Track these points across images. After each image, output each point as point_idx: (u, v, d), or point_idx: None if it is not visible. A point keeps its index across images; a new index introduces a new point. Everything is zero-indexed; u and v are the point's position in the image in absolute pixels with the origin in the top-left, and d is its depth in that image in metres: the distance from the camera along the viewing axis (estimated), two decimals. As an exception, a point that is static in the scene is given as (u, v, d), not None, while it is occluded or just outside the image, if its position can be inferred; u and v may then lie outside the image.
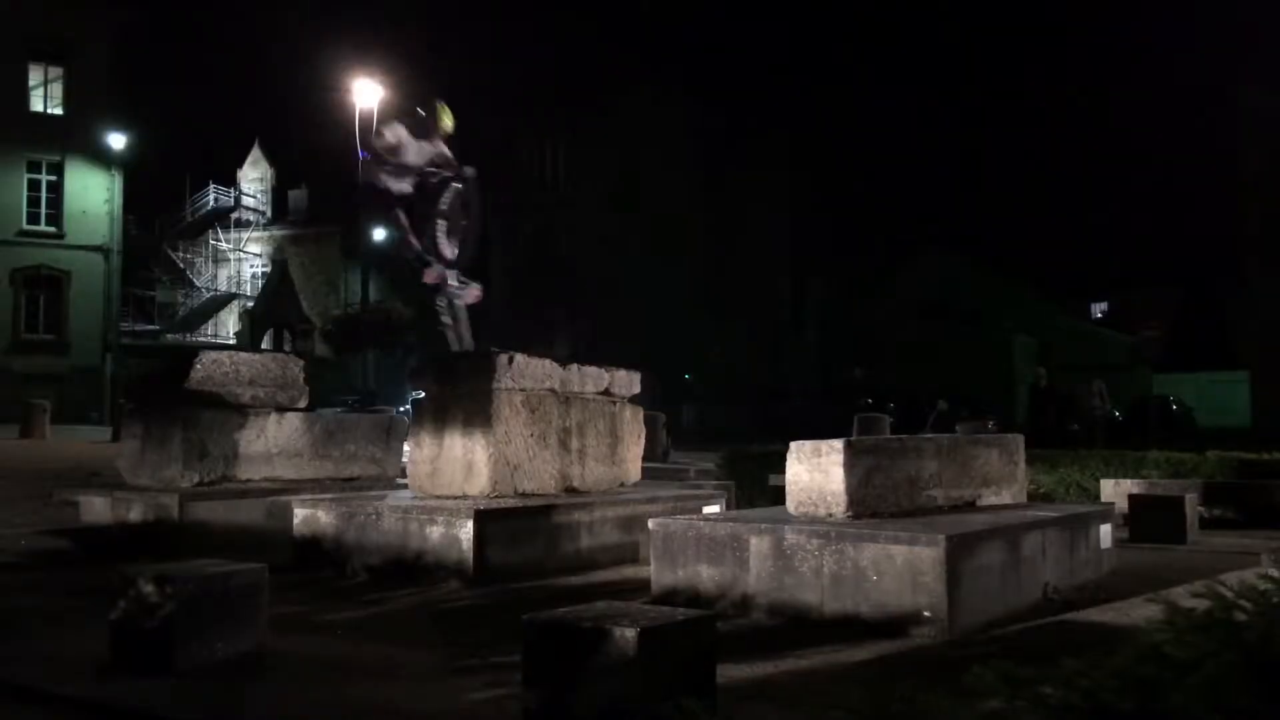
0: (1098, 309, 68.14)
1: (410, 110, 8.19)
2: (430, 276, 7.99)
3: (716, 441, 17.99)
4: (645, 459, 10.33)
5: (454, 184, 7.97)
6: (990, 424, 21.14)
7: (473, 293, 8.25)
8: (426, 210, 7.99)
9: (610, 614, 3.13)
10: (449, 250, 8.05)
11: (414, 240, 7.96)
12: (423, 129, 7.95)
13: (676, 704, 2.17)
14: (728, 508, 8.14)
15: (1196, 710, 1.20)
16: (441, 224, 7.95)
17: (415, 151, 7.91)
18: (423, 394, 7.29)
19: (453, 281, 8.09)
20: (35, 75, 35.92)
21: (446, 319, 8.18)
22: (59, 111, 36.19)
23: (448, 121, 7.99)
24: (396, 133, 7.86)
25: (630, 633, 2.91)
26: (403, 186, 7.95)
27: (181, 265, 47.40)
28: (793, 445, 5.42)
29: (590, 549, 6.77)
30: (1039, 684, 1.37)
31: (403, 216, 7.97)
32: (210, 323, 47.45)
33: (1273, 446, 11.60)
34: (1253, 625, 1.57)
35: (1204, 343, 54.05)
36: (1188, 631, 1.63)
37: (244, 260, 50.73)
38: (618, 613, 3.17)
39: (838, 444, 5.25)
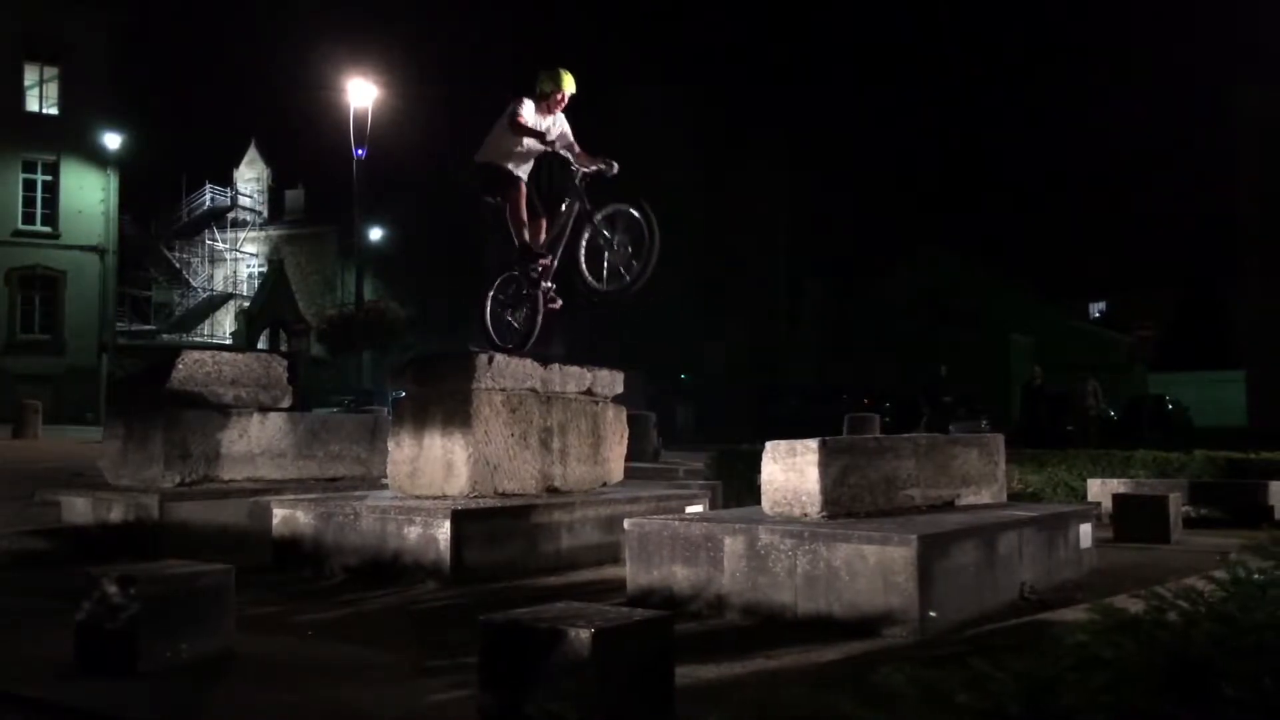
0: (1096, 309, 68.15)
1: (529, 82, 7.38)
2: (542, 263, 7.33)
3: (711, 441, 17.96)
4: (635, 459, 10.31)
5: (629, 211, 7.11)
6: (984, 423, 21.17)
7: (557, 303, 7.58)
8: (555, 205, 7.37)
9: (568, 615, 3.12)
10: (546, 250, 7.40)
11: (525, 231, 7.30)
12: (544, 104, 7.25)
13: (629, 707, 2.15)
14: (714, 507, 8.12)
15: (1087, 711, 1.19)
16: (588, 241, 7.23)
17: (540, 132, 7.24)
18: (404, 394, 7.28)
19: (549, 282, 7.45)
20: (31, 75, 35.91)
21: (515, 315, 7.54)
22: (54, 111, 36.18)
23: (569, 84, 7.24)
24: (523, 109, 7.16)
25: (584, 634, 2.89)
26: (521, 171, 7.38)
27: (177, 265, 47.37)
28: (768, 445, 5.41)
29: (571, 549, 6.76)
30: (949, 685, 1.36)
31: (523, 200, 7.29)
32: (206, 323, 47.40)
33: (1265, 446, 11.59)
34: (1171, 626, 1.56)
35: (1202, 342, 54.07)
36: (1112, 632, 1.62)
37: (240, 260, 50.71)
38: (575, 613, 3.15)
39: (812, 443, 5.24)
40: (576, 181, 7.26)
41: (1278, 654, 1.57)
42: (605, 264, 7.19)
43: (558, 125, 7.35)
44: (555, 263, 7.39)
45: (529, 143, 7.28)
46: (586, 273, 7.27)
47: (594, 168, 7.24)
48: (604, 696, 2.90)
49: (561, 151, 7.26)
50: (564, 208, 7.36)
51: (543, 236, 7.44)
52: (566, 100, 7.34)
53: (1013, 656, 1.43)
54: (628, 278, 7.07)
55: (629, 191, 7.32)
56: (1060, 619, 4.86)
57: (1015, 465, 10.20)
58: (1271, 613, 1.71)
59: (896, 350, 43.30)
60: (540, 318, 7.42)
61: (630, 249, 7.08)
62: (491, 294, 7.67)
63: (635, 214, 7.07)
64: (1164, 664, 1.50)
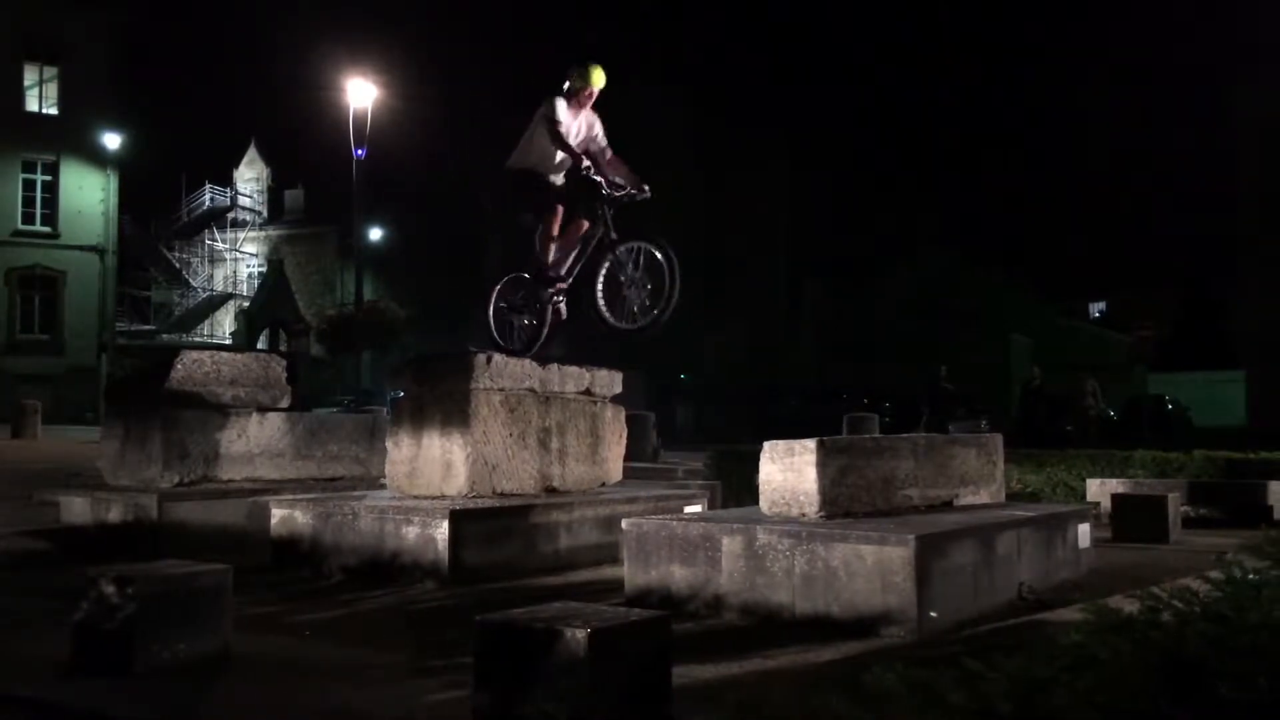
0: (1096, 309, 68.19)
1: (559, 78, 7.09)
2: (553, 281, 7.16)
3: (711, 441, 17.96)
4: (635, 459, 10.30)
5: (646, 248, 6.86)
6: (983, 423, 21.15)
7: (564, 314, 7.37)
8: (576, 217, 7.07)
9: (564, 615, 3.12)
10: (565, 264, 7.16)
11: (552, 249, 7.09)
12: (575, 100, 7.01)
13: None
14: (713, 507, 8.12)
15: (1079, 711, 1.19)
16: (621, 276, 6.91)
17: (572, 132, 6.99)
18: (402, 394, 7.27)
19: (560, 297, 7.28)
20: (30, 75, 35.99)
21: (525, 319, 7.35)
22: (54, 111, 36.26)
23: (599, 79, 7.01)
24: (557, 109, 6.91)
25: (580, 634, 2.89)
26: (559, 178, 7.13)
27: (177, 265, 47.42)
28: (766, 445, 5.40)
29: (570, 549, 6.76)
30: (941, 685, 1.35)
31: (557, 220, 7.01)
32: (206, 323, 47.45)
33: (1265, 446, 11.58)
34: (1165, 626, 1.56)
35: (1202, 342, 54.04)
36: (1106, 632, 1.61)
37: (240, 260, 50.76)
38: (571, 613, 3.15)
39: (810, 443, 5.23)
40: (604, 206, 6.93)
41: (1273, 654, 1.56)
42: (623, 300, 6.95)
43: (587, 122, 7.12)
44: (570, 281, 7.20)
45: (564, 155, 7.02)
46: (601, 303, 7.03)
47: (623, 193, 6.94)
48: (600, 697, 2.89)
49: (590, 158, 6.93)
50: (587, 229, 7.09)
51: (576, 235, 7.14)
52: (595, 95, 7.10)
53: (1006, 656, 1.42)
54: (643, 319, 6.87)
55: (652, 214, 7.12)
56: (1058, 619, 4.86)
57: (1014, 465, 10.19)
58: (1267, 612, 1.71)
59: (896, 350, 43.27)
60: (547, 328, 7.27)
61: (650, 289, 6.84)
62: (496, 292, 7.52)
63: (658, 255, 6.79)
64: (1158, 664, 1.49)
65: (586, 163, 6.95)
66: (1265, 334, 36.04)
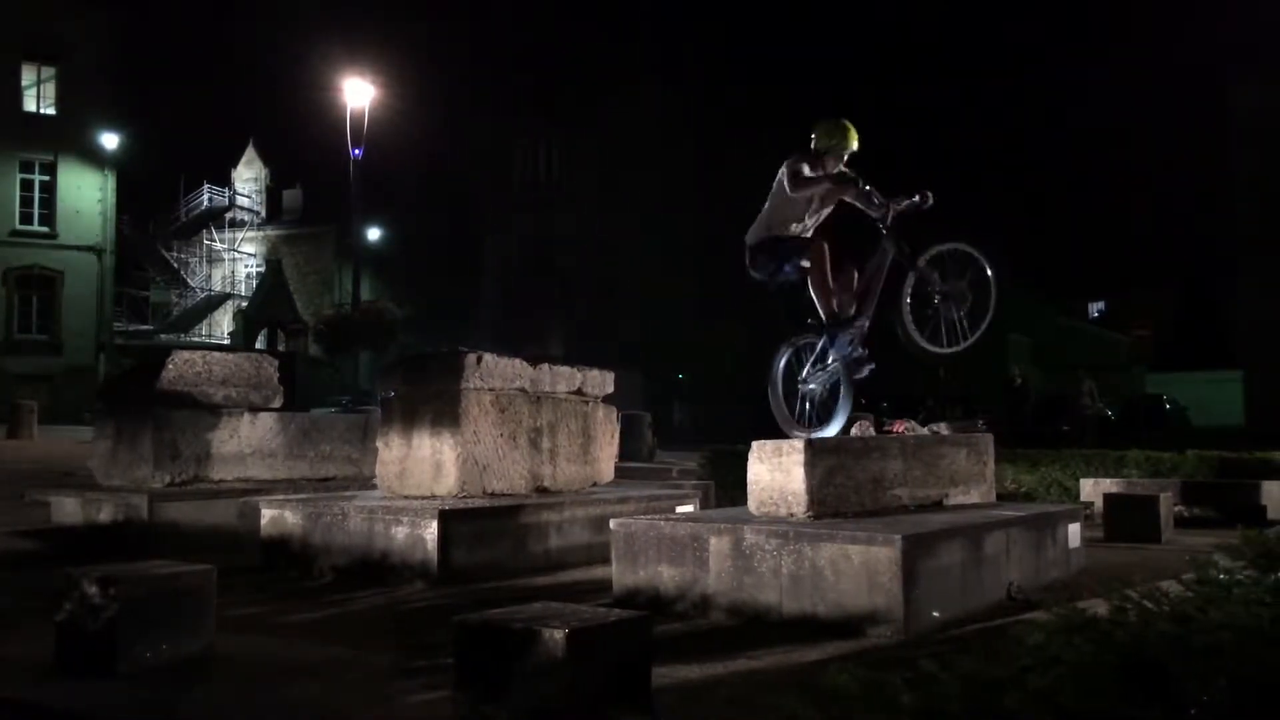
0: (1095, 309, 68.23)
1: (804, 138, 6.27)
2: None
3: (709, 441, 17.94)
4: (630, 458, 10.32)
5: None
6: (980, 423, 21.14)
7: (865, 370, 6.37)
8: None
9: (543, 615, 3.11)
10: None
11: (833, 290, 6.22)
12: (820, 162, 6.17)
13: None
14: (705, 507, 8.11)
15: (1031, 711, 1.19)
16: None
17: (829, 174, 6.20)
18: (393, 394, 7.27)
19: (861, 349, 6.29)
20: (28, 75, 35.96)
21: (812, 389, 6.45)
22: (52, 111, 36.24)
23: (854, 142, 6.21)
24: (803, 169, 6.14)
25: (558, 634, 2.88)
26: (812, 229, 6.38)
27: (175, 265, 47.32)
28: (754, 444, 5.40)
29: (560, 549, 6.75)
30: (894, 686, 1.35)
31: (826, 260, 6.20)
32: (204, 323, 47.36)
33: (1260, 446, 11.56)
34: (1128, 626, 1.55)
35: (1201, 342, 54.08)
36: (1070, 632, 1.61)
37: (238, 260, 50.66)
38: (552, 614, 3.14)
39: (798, 443, 5.23)
40: (887, 223, 6.11)
41: (1235, 654, 1.56)
42: (937, 317, 6.03)
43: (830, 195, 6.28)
44: (868, 324, 6.26)
45: (815, 198, 6.25)
46: (911, 326, 6.07)
47: (908, 202, 6.08)
48: (578, 697, 2.89)
49: (856, 202, 6.19)
50: (874, 257, 6.21)
51: (853, 269, 6.29)
52: (847, 159, 6.25)
53: (963, 656, 1.42)
54: (968, 332, 5.96)
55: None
56: (1043, 620, 4.85)
57: (1009, 465, 10.20)
58: (1231, 613, 1.70)
59: (895, 350, 43.20)
60: (850, 397, 6.24)
61: (967, 294, 5.97)
62: (783, 363, 6.62)
63: (969, 251, 5.97)
64: (1118, 664, 1.49)
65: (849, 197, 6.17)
66: (1264, 334, 36.02)
